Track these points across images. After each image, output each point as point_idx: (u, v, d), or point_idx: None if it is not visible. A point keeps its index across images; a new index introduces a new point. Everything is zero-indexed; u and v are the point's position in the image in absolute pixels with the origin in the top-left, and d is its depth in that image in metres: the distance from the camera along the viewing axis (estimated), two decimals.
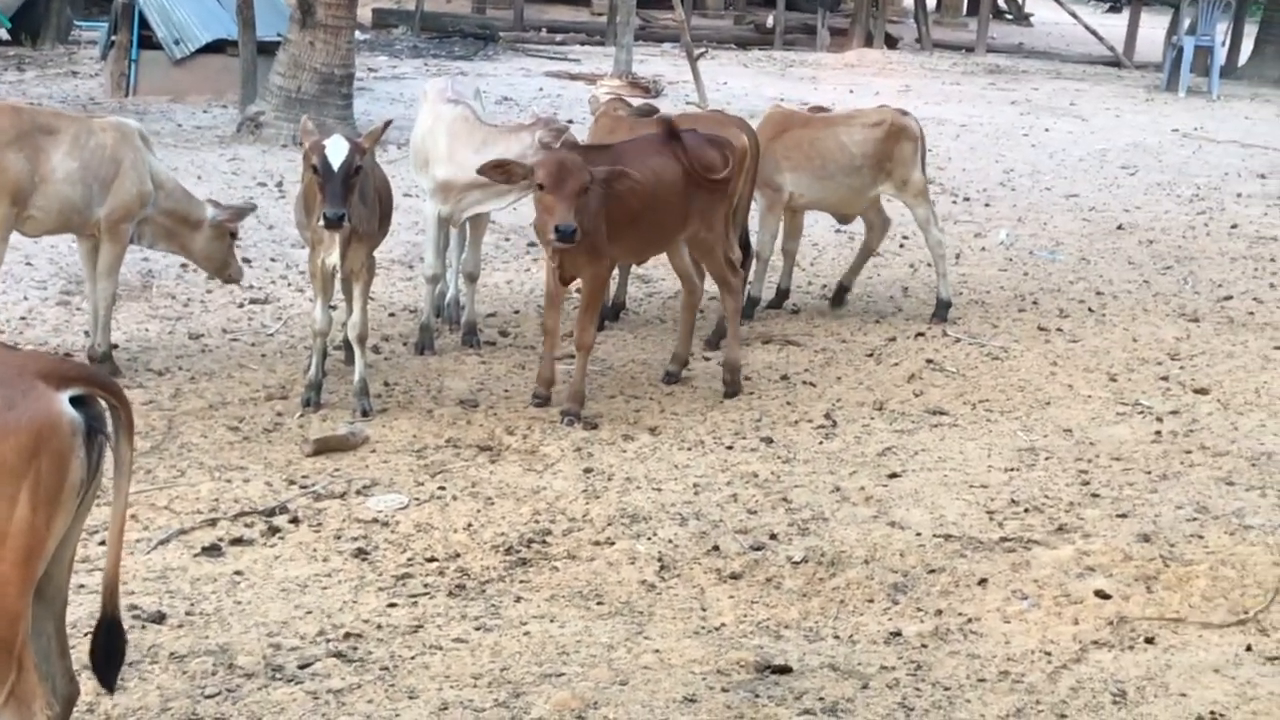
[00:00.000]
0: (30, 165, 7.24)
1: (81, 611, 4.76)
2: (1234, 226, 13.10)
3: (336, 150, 6.75)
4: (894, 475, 6.71)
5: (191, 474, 6.29)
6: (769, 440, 7.14)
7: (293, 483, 6.34)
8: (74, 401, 3.47)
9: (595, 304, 7.44)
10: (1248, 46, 26.72)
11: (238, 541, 5.72)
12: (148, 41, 15.73)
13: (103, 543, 5.40)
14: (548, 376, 7.50)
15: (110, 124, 7.64)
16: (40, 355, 3.99)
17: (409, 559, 5.64)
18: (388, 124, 7.28)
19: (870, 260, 10.55)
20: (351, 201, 6.79)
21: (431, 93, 8.39)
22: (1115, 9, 38.61)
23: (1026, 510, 6.32)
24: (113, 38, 16.02)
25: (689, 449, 6.99)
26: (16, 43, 18.93)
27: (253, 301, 8.91)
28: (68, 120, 7.61)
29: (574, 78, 19.92)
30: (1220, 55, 24.20)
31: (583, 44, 24.29)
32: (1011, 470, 6.82)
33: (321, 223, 6.76)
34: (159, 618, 5.03)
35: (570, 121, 10.12)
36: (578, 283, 7.52)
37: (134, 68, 15.75)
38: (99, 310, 7.57)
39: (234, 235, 7.96)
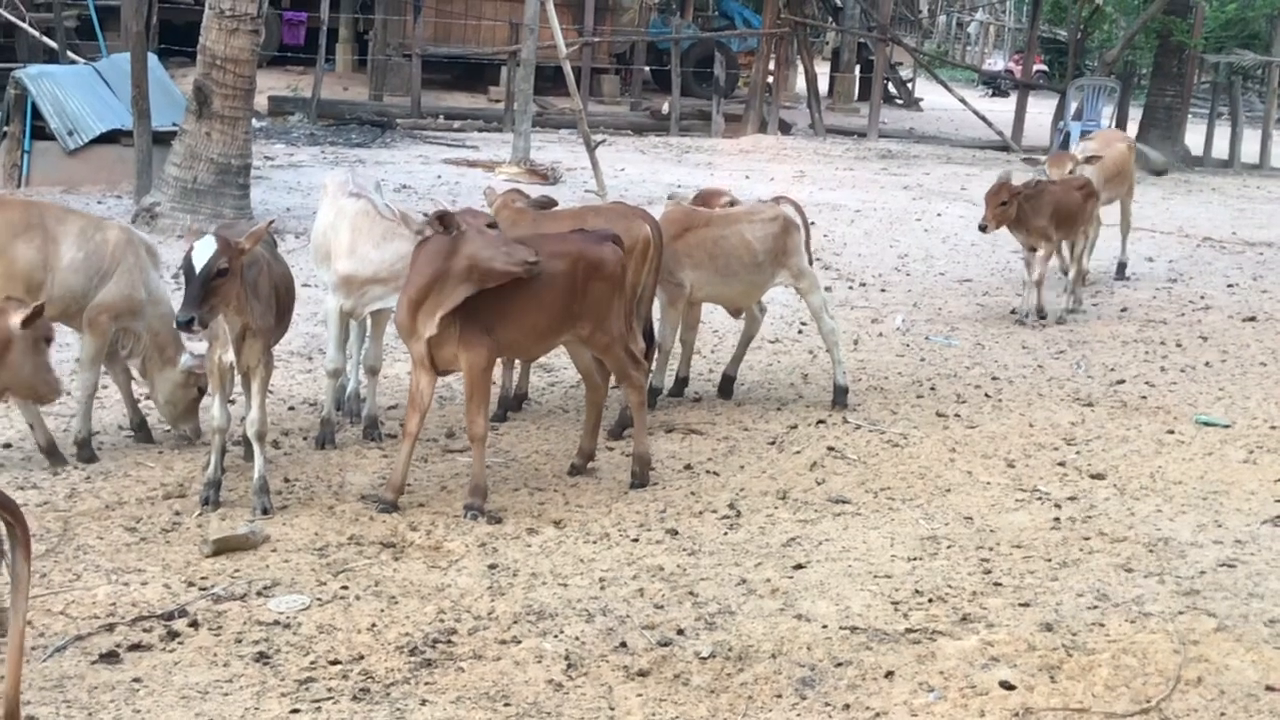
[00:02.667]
0: (40, 256, 7.46)
1: None
2: (1124, 310, 13.37)
3: (201, 252, 6.62)
4: (799, 566, 6.73)
5: (88, 577, 6.17)
6: (674, 532, 7.13)
7: (192, 584, 6.23)
8: None
9: (479, 394, 7.24)
10: (1133, 131, 27.36)
11: (136, 647, 5.61)
12: (41, 132, 15.55)
13: None
14: (397, 482, 7.31)
15: (119, 227, 7.91)
16: None
17: (312, 662, 5.56)
18: (270, 224, 7.22)
19: (771, 347, 10.65)
20: (213, 304, 6.65)
21: (332, 186, 8.36)
22: (1001, 94, 39.45)
23: (930, 600, 6.36)
24: (5, 128, 15.82)
25: (594, 542, 6.97)
26: None
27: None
28: (77, 216, 7.88)
29: (472, 164, 19.96)
30: None
31: (480, 130, 24.37)
32: (914, 559, 6.87)
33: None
34: None
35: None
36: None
37: (26, 158, 15.55)
38: (80, 399, 7.77)
39: (202, 391, 7.88)
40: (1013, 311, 12.37)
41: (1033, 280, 12.31)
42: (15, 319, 5.69)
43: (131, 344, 7.86)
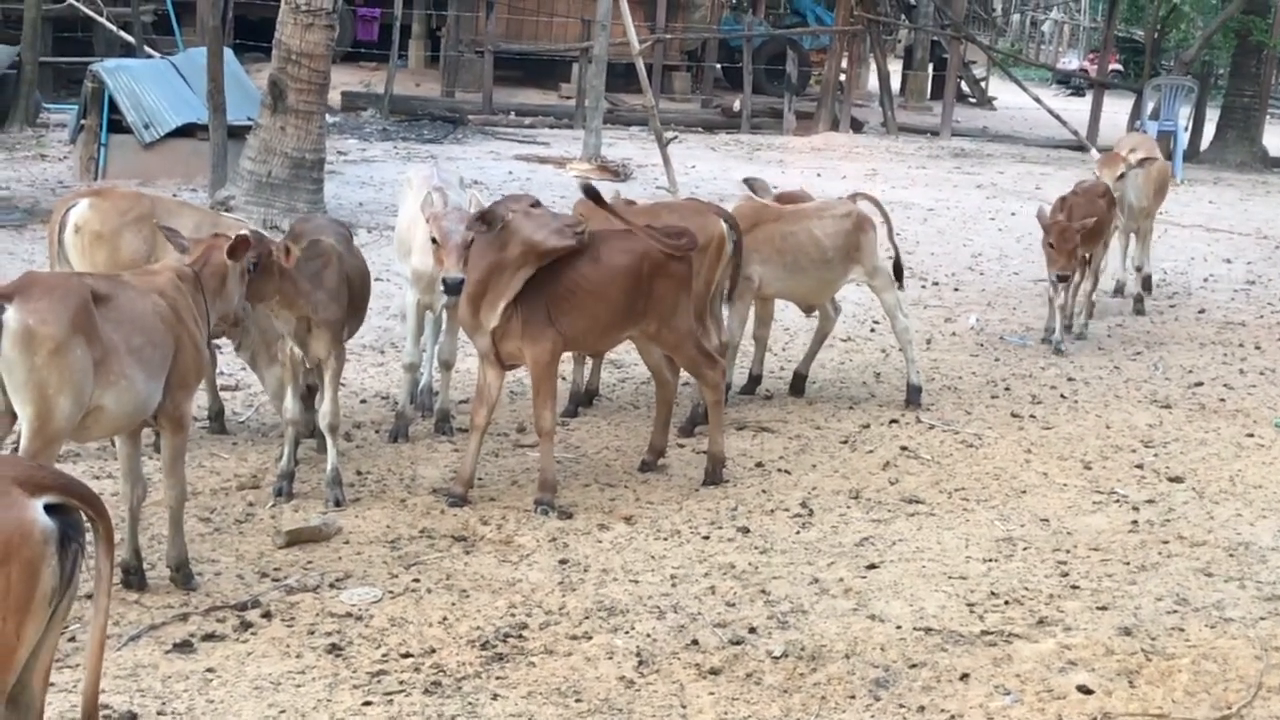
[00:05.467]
0: (147, 246, 7.49)
1: (52, 711, 4.65)
2: (1201, 311, 13.19)
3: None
4: (872, 566, 6.66)
5: (163, 567, 6.18)
6: (745, 530, 7.09)
7: (265, 575, 6.26)
8: (50, 509, 3.40)
9: (545, 388, 7.22)
10: (1210, 131, 27.03)
11: (210, 637, 5.63)
12: (117, 125, 15.69)
13: (72, 639, 5.31)
14: (466, 475, 7.31)
15: (235, 221, 7.92)
16: (16, 461, 3.92)
17: (383, 655, 5.56)
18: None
19: (843, 345, 10.58)
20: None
21: (416, 180, 8.36)
22: (1078, 93, 39.07)
23: (1006, 602, 6.28)
24: (82, 121, 15.98)
25: (665, 539, 6.94)
26: None
27: (224, 388, 8.83)
28: (191, 209, 7.93)
29: (543, 161, 19.97)
30: (1183, 140, 24.47)
31: (551, 127, 24.36)
32: (990, 561, 6.79)
33: None
34: (130, 717, 4.94)
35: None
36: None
37: (103, 151, 15.70)
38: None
39: (312, 387, 7.81)
40: (1044, 341, 11.48)
41: (1059, 304, 11.29)
42: (224, 249, 6.15)
43: (240, 337, 7.80)
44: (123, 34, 21.20)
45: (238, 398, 8.83)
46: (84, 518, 3.50)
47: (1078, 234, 10.71)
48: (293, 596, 6.03)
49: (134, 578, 6.01)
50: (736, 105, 26.80)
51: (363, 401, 8.94)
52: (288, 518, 6.92)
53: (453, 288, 6.83)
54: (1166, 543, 7.13)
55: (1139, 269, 13.27)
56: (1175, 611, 6.23)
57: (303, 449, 7.56)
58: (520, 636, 5.77)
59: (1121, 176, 11.90)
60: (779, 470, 8.07)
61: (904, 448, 8.55)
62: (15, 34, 20.01)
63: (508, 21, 27.81)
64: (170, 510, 6.04)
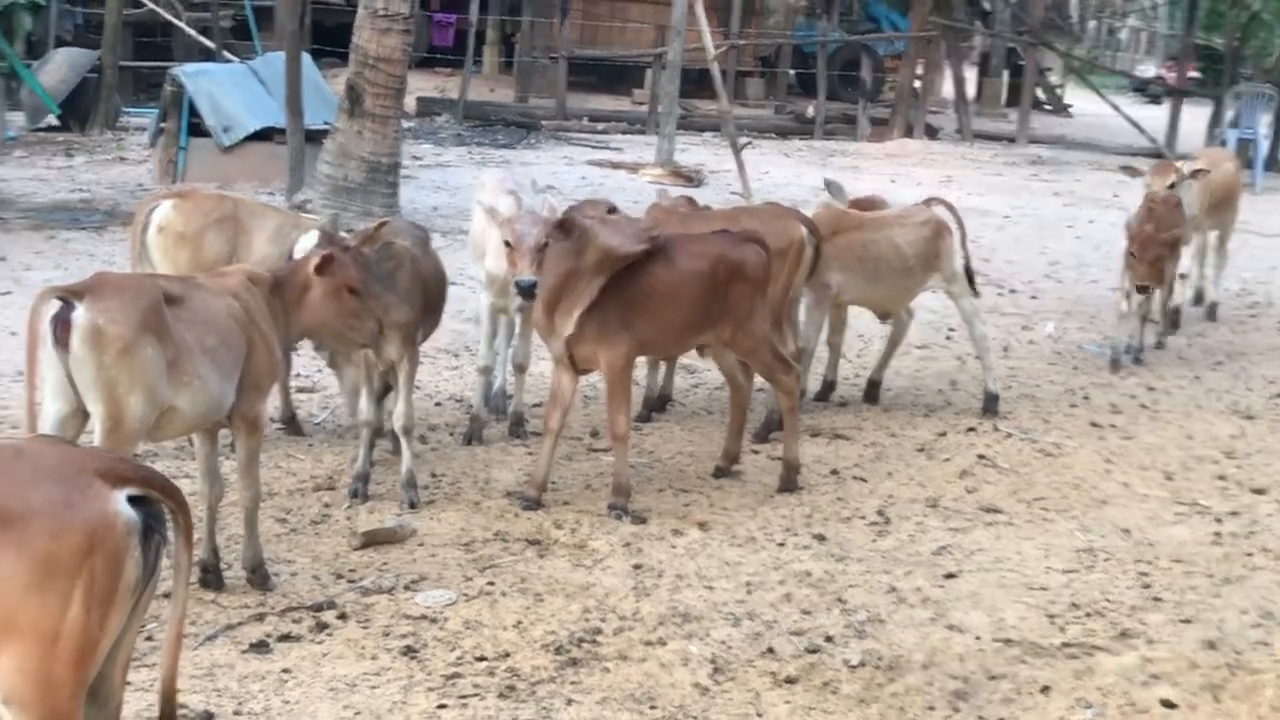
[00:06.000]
0: (230, 248, 7.54)
1: (128, 711, 4.66)
2: None
3: (301, 246, 6.65)
4: (950, 576, 6.59)
5: (239, 568, 6.20)
6: (821, 537, 7.03)
7: (340, 577, 6.27)
8: (132, 501, 3.41)
9: (619, 392, 7.21)
10: None
11: (286, 638, 5.63)
12: (196, 128, 15.84)
13: (150, 638, 5.33)
14: (540, 479, 7.28)
15: (312, 221, 7.89)
16: (99, 453, 3.94)
17: (458, 658, 5.54)
18: (381, 224, 7.14)
19: (919, 352, 10.48)
20: None
21: (490, 184, 8.37)
22: (1155, 101, 38.66)
23: (1088, 614, 6.18)
24: (162, 124, 16.14)
25: (740, 545, 6.89)
26: (65, 129, 19.10)
27: (300, 390, 8.87)
28: (274, 212, 7.95)
29: (616, 166, 19.98)
30: (1263, 148, 24.14)
31: (624, 133, 24.39)
32: (1070, 572, 6.69)
33: None
34: (207, 717, 4.95)
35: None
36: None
37: (182, 154, 15.85)
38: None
39: (388, 385, 7.64)
40: (1127, 353, 10.89)
41: (1137, 315, 10.92)
42: (312, 265, 6.10)
43: (371, 342, 7.67)
44: (202, 39, 21.40)
45: (313, 399, 8.86)
46: (165, 510, 3.51)
47: (1163, 245, 10.52)
48: (368, 598, 6.03)
49: (212, 576, 6.04)
50: (810, 111, 26.72)
51: (437, 404, 8.95)
52: (363, 519, 6.93)
53: (526, 290, 6.82)
54: (1250, 555, 7.00)
55: (1204, 281, 13.04)
56: (1260, 625, 6.12)
57: (378, 451, 7.57)
58: (594, 642, 5.74)
59: (1173, 186, 11.56)
60: (854, 478, 8.01)
61: (981, 456, 8.45)
62: (96, 38, 20.26)
63: (582, 27, 27.87)
64: (246, 511, 6.06)
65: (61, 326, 5.36)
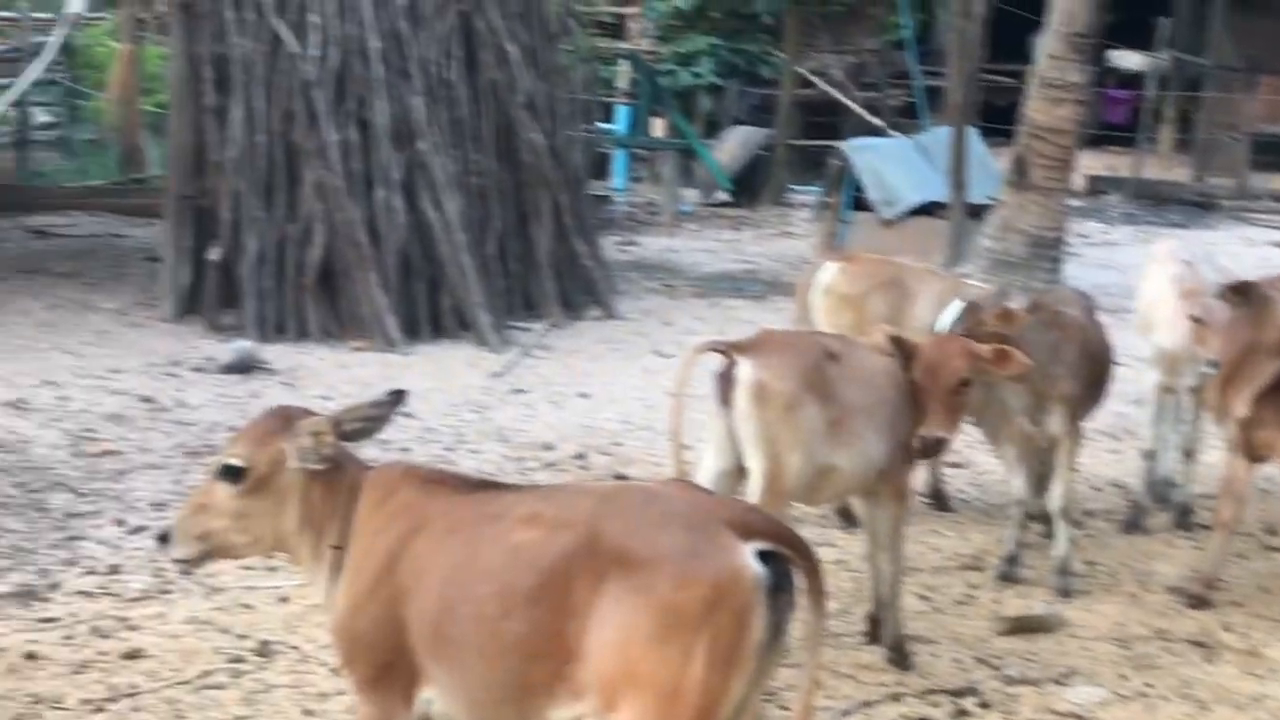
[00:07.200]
0: (892, 312, 7.44)
1: None
2: None
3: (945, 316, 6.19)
4: None
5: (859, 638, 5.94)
6: None
7: (984, 662, 5.88)
8: (761, 556, 3.20)
9: None
10: None
11: None
12: (860, 203, 15.96)
13: (784, 707, 5.14)
14: (1208, 576, 6.64)
15: (976, 288, 7.57)
16: (731, 502, 3.78)
17: None
18: (1038, 293, 6.48)
19: None
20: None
21: (1162, 254, 7.81)
22: None
23: None
24: (826, 199, 16.39)
25: None
26: (736, 204, 19.83)
27: (950, 465, 8.56)
28: (938, 278, 7.85)
29: None
30: None
31: None
32: None
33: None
34: None
35: None
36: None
37: (844, 228, 16.01)
38: None
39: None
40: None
41: None
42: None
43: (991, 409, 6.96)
44: (870, 118, 21.70)
45: (962, 475, 8.52)
46: (796, 568, 3.27)
47: None
48: (1012, 688, 5.62)
49: (897, 656, 5.77)
50: None
51: (1096, 489, 8.41)
52: (1010, 604, 6.52)
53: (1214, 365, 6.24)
54: None
55: None
56: None
57: (1029, 533, 7.12)
58: None
59: None
60: None
61: None
62: (769, 118, 20.96)
63: (1269, 103, 26.24)
64: (888, 585, 5.79)
65: (725, 383, 5.33)
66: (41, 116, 22.93)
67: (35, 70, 18.72)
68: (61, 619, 5.99)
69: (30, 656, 5.58)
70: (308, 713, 5.21)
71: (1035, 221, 13.46)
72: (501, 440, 8.91)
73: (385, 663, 3.59)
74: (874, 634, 5.90)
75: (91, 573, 6.53)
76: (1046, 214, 13.49)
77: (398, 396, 4.01)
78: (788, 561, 3.27)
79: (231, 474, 3.86)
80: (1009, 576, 6.80)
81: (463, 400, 9.84)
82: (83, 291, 12.83)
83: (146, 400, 9.33)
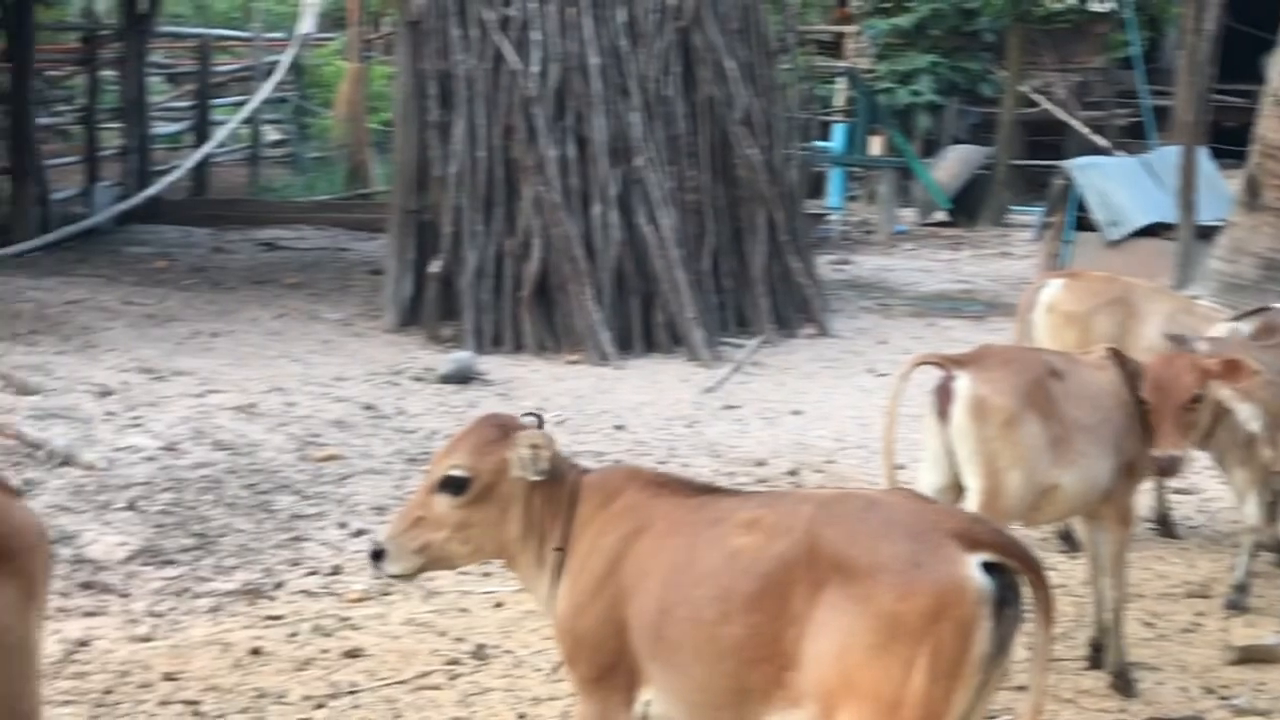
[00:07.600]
0: (1119, 331, 7.25)
1: None
2: None
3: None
4: None
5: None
6: None
7: (1211, 692, 5.68)
8: (986, 568, 3.12)
9: None
10: None
11: None
12: (1083, 223, 15.59)
13: None
14: None
15: (1207, 309, 7.49)
16: (956, 512, 3.70)
17: None
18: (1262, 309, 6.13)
19: None
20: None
21: None
22: None
23: None
24: (1048, 219, 16.06)
25: None
26: (953, 223, 19.57)
27: (1177, 491, 8.29)
28: (1168, 297, 7.70)
29: None
30: None
31: None
32: None
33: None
34: None
35: None
36: None
37: (1067, 249, 15.65)
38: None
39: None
40: None
41: None
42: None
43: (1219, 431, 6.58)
44: (1095, 137, 21.23)
45: (1190, 501, 8.24)
46: (1023, 581, 3.18)
47: None
48: (1240, 718, 5.41)
49: (1121, 682, 5.61)
50: None
51: None
52: (1238, 632, 6.29)
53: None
54: None
55: None
56: None
57: (1260, 562, 6.86)
58: None
59: None
60: None
61: None
62: (989, 137, 20.64)
63: None
64: (1112, 611, 5.63)
65: (944, 397, 5.24)
66: (272, 134, 23.74)
67: (266, 89, 19.42)
68: (285, 617, 6.16)
69: (255, 652, 5.75)
70: (521, 716, 5.26)
71: (1269, 244, 12.94)
72: (713, 455, 8.90)
73: (607, 663, 3.60)
74: (1096, 660, 5.74)
75: (314, 573, 6.70)
76: None
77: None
78: (1014, 574, 3.19)
79: (454, 485, 3.87)
80: (1238, 605, 6.56)
81: (675, 415, 9.86)
82: (309, 302, 13.20)
83: (368, 408, 9.54)
